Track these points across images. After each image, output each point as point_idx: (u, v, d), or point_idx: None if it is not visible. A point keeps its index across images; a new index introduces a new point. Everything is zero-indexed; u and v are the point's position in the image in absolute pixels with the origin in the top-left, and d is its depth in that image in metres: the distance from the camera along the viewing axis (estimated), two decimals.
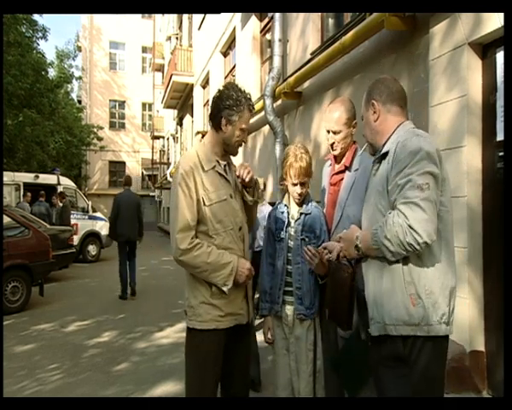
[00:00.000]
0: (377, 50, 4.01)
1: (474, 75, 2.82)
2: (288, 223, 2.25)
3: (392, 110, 1.64)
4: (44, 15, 14.10)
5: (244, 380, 2.09)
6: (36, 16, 13.24)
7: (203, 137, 2.06)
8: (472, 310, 2.79)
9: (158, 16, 23.31)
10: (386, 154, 1.57)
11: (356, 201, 2.07)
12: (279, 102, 6.36)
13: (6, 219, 6.17)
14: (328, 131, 2.21)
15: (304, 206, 2.23)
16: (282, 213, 2.28)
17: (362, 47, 4.20)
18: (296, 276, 2.19)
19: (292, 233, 2.23)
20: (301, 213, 2.22)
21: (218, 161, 1.97)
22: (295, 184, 2.17)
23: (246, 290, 2.02)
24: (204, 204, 1.87)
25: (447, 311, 1.48)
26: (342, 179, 2.21)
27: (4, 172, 11.50)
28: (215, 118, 1.94)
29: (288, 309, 2.21)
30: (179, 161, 2.01)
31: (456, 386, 2.72)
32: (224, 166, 2.01)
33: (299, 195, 2.19)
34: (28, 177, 10.95)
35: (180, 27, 17.39)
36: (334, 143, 2.20)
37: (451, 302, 1.50)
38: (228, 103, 1.89)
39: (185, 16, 16.01)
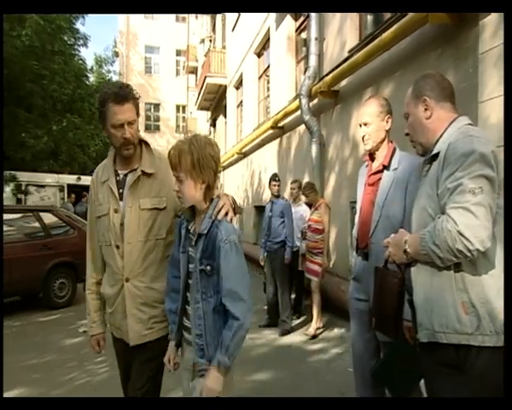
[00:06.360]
0: (420, 46, 3.89)
1: None
2: (189, 241, 1.62)
3: (444, 107, 1.58)
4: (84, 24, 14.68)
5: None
6: (78, 25, 13.86)
7: None
8: None
9: (191, 19, 23.73)
10: (437, 155, 1.51)
11: (395, 200, 2.02)
12: (315, 101, 6.32)
13: (53, 219, 6.51)
14: (361, 125, 2.19)
15: (204, 223, 1.55)
16: (186, 228, 1.66)
17: (403, 43, 4.09)
18: (196, 319, 1.56)
19: (192, 256, 1.59)
20: (200, 235, 1.56)
21: (116, 172, 1.86)
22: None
23: (125, 309, 1.80)
24: (96, 216, 1.90)
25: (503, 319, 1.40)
26: (380, 179, 2.15)
27: (49, 174, 12.12)
28: None
29: (188, 353, 1.65)
30: None
31: None
32: (124, 175, 1.84)
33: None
34: (71, 179, 11.52)
35: (213, 29, 17.63)
36: (364, 135, 2.16)
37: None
38: (98, 109, 1.84)
39: (219, 18, 16.21)
